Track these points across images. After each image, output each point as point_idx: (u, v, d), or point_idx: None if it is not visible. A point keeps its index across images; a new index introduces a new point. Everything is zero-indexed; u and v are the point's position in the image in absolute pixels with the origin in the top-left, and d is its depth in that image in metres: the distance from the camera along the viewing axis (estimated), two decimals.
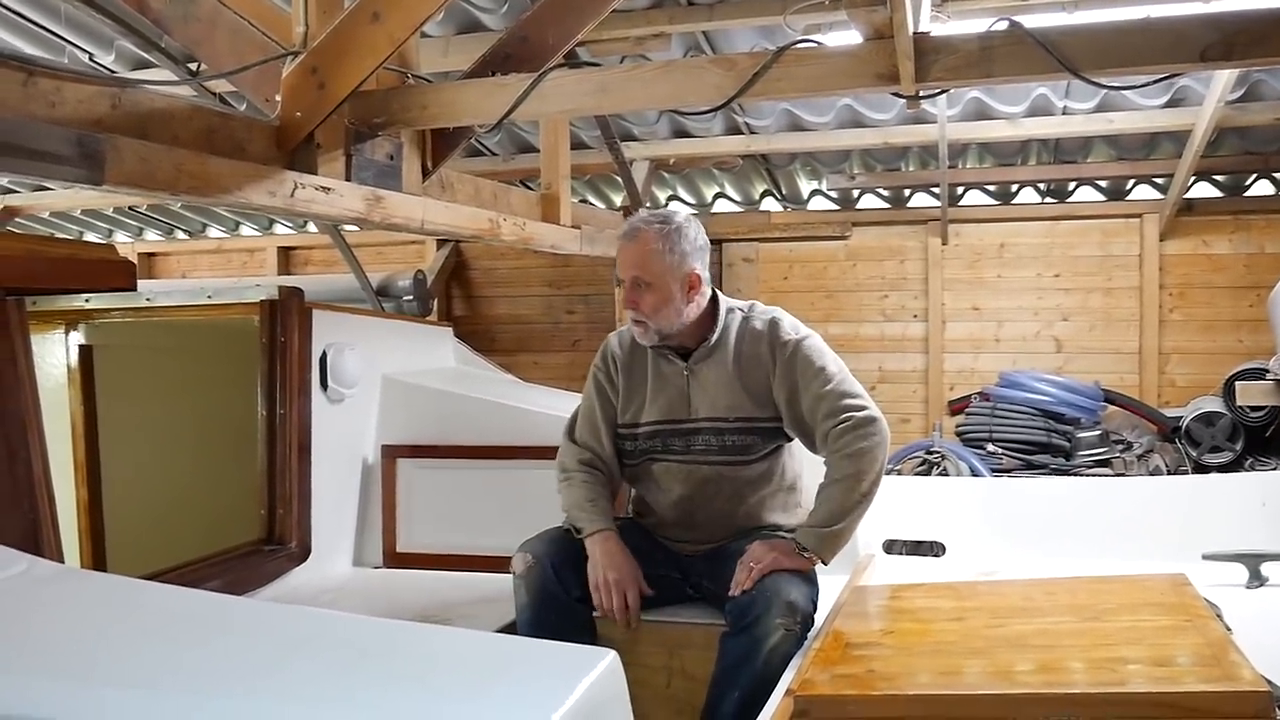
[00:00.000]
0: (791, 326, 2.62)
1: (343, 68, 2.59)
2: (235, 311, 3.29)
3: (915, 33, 2.29)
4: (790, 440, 2.67)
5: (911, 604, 2.43)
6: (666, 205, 6.55)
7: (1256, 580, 2.72)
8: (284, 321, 3.20)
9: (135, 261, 7.89)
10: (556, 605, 2.49)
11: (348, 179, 2.79)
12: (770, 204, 6.59)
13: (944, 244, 6.10)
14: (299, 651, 1.24)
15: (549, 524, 2.64)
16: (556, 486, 2.70)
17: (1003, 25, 2.30)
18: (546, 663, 1.25)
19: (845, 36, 2.54)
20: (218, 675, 1.16)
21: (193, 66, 3.56)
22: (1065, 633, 2.07)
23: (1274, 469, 4.88)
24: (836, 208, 6.48)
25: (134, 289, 3.46)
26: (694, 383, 2.61)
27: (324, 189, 2.66)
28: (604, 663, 1.18)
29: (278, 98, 2.68)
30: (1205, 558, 2.77)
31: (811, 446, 2.60)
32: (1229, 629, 2.12)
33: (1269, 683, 1.66)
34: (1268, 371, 4.81)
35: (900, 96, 2.46)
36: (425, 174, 3.15)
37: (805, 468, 2.74)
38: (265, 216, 7.36)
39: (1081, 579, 2.45)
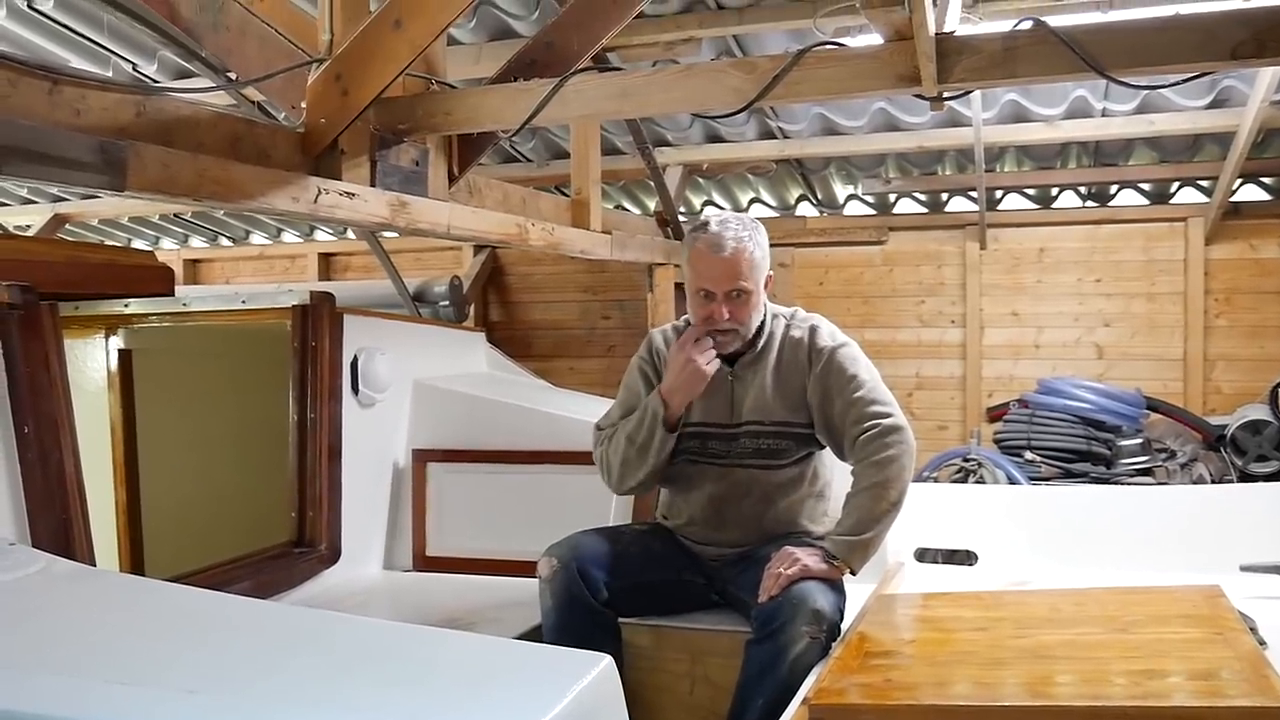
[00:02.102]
0: (829, 334, 2.63)
1: (366, 74, 2.62)
2: (268, 316, 3.31)
3: (937, 33, 2.26)
4: (823, 448, 2.66)
5: (936, 613, 2.40)
6: (701, 211, 6.53)
7: None
8: (315, 326, 3.22)
9: (181, 267, 8.01)
10: (581, 610, 2.49)
11: (373, 184, 2.81)
12: (806, 209, 6.54)
13: (982, 249, 6.00)
14: (298, 653, 1.25)
15: (579, 528, 2.64)
16: (598, 454, 2.69)
17: (1027, 25, 2.26)
18: (543, 667, 1.24)
19: (875, 39, 2.51)
20: (206, 674, 1.16)
21: (232, 76, 3.60)
22: (1091, 644, 2.03)
23: None
24: (873, 212, 6.41)
25: (171, 294, 3.54)
26: (738, 388, 2.62)
27: (348, 194, 2.68)
28: (598, 668, 1.17)
29: (304, 105, 2.71)
30: (1243, 569, 2.70)
31: (840, 453, 2.60)
32: (1263, 642, 2.07)
33: None
34: None
35: (923, 98, 2.43)
36: (452, 179, 3.16)
37: (835, 476, 2.72)
38: (306, 223, 7.44)
39: (1111, 590, 2.41)
